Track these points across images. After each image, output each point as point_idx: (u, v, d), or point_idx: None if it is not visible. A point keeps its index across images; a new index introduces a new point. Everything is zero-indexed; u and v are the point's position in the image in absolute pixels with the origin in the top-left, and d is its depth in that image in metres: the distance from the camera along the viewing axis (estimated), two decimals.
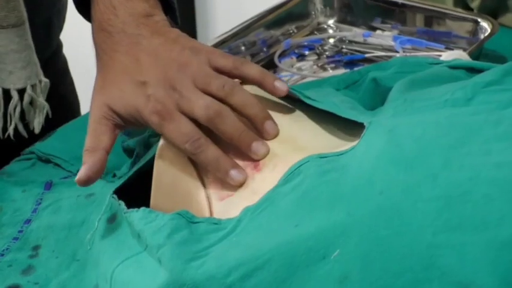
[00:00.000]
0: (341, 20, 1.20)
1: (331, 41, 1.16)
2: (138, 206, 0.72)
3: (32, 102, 0.92)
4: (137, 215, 0.71)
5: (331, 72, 1.10)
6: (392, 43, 1.12)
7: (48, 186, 0.86)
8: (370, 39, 1.15)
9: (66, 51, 1.14)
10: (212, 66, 0.76)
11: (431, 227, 0.59)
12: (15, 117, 0.92)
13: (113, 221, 0.74)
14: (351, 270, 0.59)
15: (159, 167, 0.76)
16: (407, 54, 1.09)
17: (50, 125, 0.96)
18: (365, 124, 0.70)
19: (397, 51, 1.10)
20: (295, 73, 1.09)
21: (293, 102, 0.78)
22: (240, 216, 0.67)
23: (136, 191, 0.76)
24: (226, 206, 0.72)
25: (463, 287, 0.57)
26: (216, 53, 0.77)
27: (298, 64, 1.12)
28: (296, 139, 0.75)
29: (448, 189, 0.60)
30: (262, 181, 0.72)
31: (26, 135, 0.94)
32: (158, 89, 0.75)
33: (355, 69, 1.01)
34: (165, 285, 0.64)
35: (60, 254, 0.77)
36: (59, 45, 1.11)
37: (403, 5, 1.16)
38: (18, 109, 0.92)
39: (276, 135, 0.74)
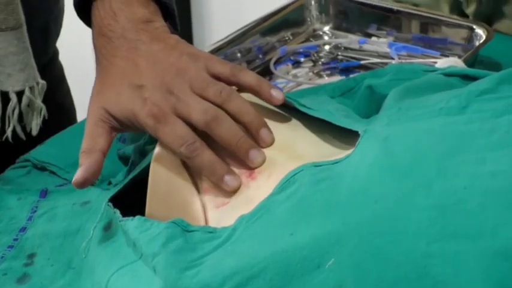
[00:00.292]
0: (336, 27, 1.21)
1: (327, 47, 1.16)
2: (134, 214, 0.72)
3: (29, 105, 0.93)
4: (132, 223, 0.71)
5: (326, 79, 1.10)
6: (387, 50, 1.13)
7: (44, 194, 0.86)
8: (366, 46, 1.15)
9: (63, 58, 1.14)
10: (210, 72, 0.76)
11: (425, 235, 0.59)
12: (13, 120, 0.92)
13: (108, 229, 0.75)
14: (345, 279, 0.59)
15: (154, 175, 0.76)
16: (403, 61, 1.10)
17: (47, 132, 0.96)
18: (360, 132, 0.70)
19: (393, 58, 1.10)
20: (290, 80, 1.09)
21: (288, 110, 0.78)
22: (235, 225, 0.67)
23: (131, 199, 0.76)
24: (221, 214, 0.72)
25: None
26: (214, 60, 0.77)
27: (294, 71, 1.13)
28: (291, 147, 0.75)
29: (443, 198, 0.60)
30: (257, 189, 0.72)
31: (23, 137, 0.94)
32: (155, 93, 0.75)
33: (351, 76, 1.01)
34: None
35: (55, 262, 0.77)
36: (56, 52, 1.11)
37: (398, 12, 1.16)
38: (16, 111, 0.92)
39: (271, 143, 0.74)
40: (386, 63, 1.09)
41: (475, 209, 0.59)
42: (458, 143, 0.65)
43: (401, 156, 0.65)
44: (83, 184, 0.75)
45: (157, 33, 0.79)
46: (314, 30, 1.21)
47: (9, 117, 0.92)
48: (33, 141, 0.95)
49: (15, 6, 0.89)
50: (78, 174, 0.75)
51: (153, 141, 0.86)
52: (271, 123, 0.76)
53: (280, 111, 0.78)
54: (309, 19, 1.21)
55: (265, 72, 1.11)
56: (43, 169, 0.91)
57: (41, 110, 0.93)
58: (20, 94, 0.92)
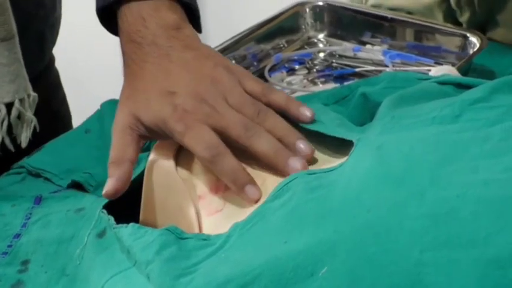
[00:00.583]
0: (331, 35, 1.21)
1: (321, 55, 1.17)
2: (128, 221, 0.72)
3: (19, 116, 0.92)
4: (126, 230, 0.71)
5: (321, 87, 1.10)
6: (382, 57, 1.13)
7: (38, 200, 0.86)
8: (360, 54, 1.15)
9: (58, 65, 1.14)
10: (242, 87, 0.76)
11: (418, 244, 0.59)
12: (2, 131, 0.92)
13: (102, 236, 0.74)
14: (339, 287, 0.59)
15: (148, 182, 0.76)
16: (397, 68, 1.10)
17: (42, 140, 0.96)
18: (354, 141, 0.70)
19: (387, 66, 1.11)
20: (285, 87, 1.10)
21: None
22: (229, 232, 0.67)
23: (126, 206, 0.76)
24: (215, 221, 0.72)
25: None
26: (248, 76, 0.77)
27: (288, 78, 1.13)
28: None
29: (436, 206, 0.61)
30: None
31: (12, 149, 0.93)
32: (187, 100, 0.74)
33: (345, 83, 1.01)
34: None
35: (49, 269, 0.77)
36: (52, 59, 1.11)
37: (392, 20, 1.16)
38: (5, 123, 0.91)
39: (310, 154, 0.73)
40: (380, 71, 1.09)
41: (468, 218, 0.59)
42: (452, 152, 0.65)
43: (394, 165, 0.65)
44: (114, 195, 0.74)
45: (189, 41, 0.79)
46: (309, 38, 1.21)
47: None
48: (28, 149, 0.94)
49: (6, 17, 0.89)
50: (109, 185, 0.74)
51: (146, 148, 0.86)
52: None
53: None
54: (303, 27, 1.22)
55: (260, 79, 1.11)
56: (37, 176, 0.91)
57: (31, 122, 0.93)
58: (9, 106, 0.91)
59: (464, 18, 1.17)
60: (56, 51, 1.11)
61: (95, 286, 0.71)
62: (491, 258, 0.57)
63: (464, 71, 1.03)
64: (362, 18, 1.18)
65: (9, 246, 0.80)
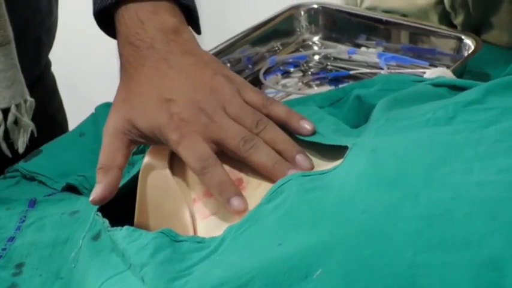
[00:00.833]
0: (326, 37, 1.21)
1: (316, 57, 1.17)
2: (123, 224, 0.72)
3: (16, 122, 0.92)
4: (121, 233, 0.71)
5: (316, 89, 1.10)
6: (377, 60, 1.13)
7: (32, 203, 0.86)
8: (355, 56, 1.15)
9: (55, 70, 1.13)
10: (242, 98, 0.75)
11: (412, 246, 0.59)
12: None
13: (97, 238, 0.74)
14: None
15: (143, 184, 0.76)
16: (392, 71, 1.10)
17: (39, 145, 0.95)
18: (348, 145, 0.70)
19: (382, 68, 1.11)
20: (280, 90, 1.10)
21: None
22: (223, 235, 0.67)
23: (120, 209, 0.76)
24: (210, 224, 0.72)
25: None
26: (248, 87, 0.76)
27: (283, 81, 1.13)
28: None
29: (430, 208, 0.61)
30: (246, 199, 0.72)
31: (9, 154, 0.93)
32: (185, 109, 0.73)
33: (340, 86, 1.01)
34: None
35: (44, 272, 0.77)
36: (48, 64, 1.11)
37: (387, 22, 1.16)
38: (2, 128, 0.91)
39: (309, 169, 0.72)
40: (375, 73, 1.09)
41: (462, 219, 0.59)
42: (446, 154, 0.65)
43: (388, 167, 0.65)
44: (101, 202, 0.74)
45: (188, 46, 0.78)
46: (304, 41, 1.22)
47: None
48: (25, 154, 0.94)
49: (2, 23, 0.88)
50: (96, 192, 0.73)
51: (141, 151, 0.86)
52: None
53: None
54: (298, 29, 1.22)
55: (255, 82, 1.11)
56: (32, 179, 0.91)
57: (28, 128, 0.92)
58: (6, 111, 0.91)
59: (458, 20, 1.17)
60: (53, 56, 1.11)
61: None
62: (485, 259, 0.57)
63: (459, 73, 1.03)
64: (357, 20, 1.18)
65: (4, 249, 0.80)
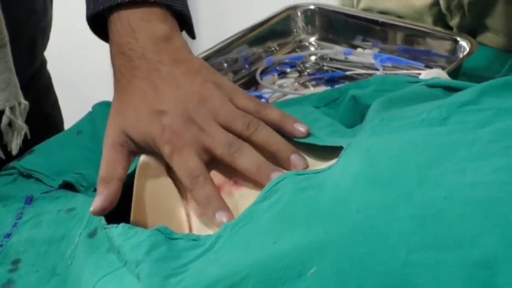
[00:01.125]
0: (322, 38, 1.21)
1: (313, 58, 1.17)
2: (119, 221, 0.73)
3: (10, 124, 0.92)
4: (116, 230, 0.71)
5: (312, 90, 1.11)
6: (372, 61, 1.13)
7: (29, 200, 0.86)
8: (351, 57, 1.16)
9: (51, 68, 1.14)
10: (234, 104, 0.75)
11: (406, 245, 0.59)
12: None
13: (93, 236, 0.75)
14: None
15: (139, 182, 0.77)
16: (388, 72, 1.10)
17: (34, 143, 0.95)
18: (344, 146, 0.71)
19: (378, 69, 1.11)
20: (276, 90, 1.10)
21: None
22: (218, 233, 0.67)
23: (117, 206, 0.77)
24: (205, 222, 0.73)
25: None
26: (239, 93, 0.76)
27: (280, 81, 1.13)
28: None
29: (423, 208, 0.61)
30: (241, 198, 0.72)
31: (3, 156, 0.93)
32: (176, 120, 0.74)
33: (336, 86, 1.02)
34: None
35: (40, 269, 0.77)
36: (43, 62, 1.11)
37: (383, 24, 1.17)
38: None
39: (305, 168, 0.73)
40: (371, 74, 1.10)
41: (455, 219, 0.60)
42: (439, 154, 0.66)
43: (383, 167, 0.66)
44: (101, 213, 0.74)
45: (179, 55, 0.77)
46: (300, 41, 1.22)
47: None
48: (20, 153, 0.94)
49: None
50: (96, 204, 0.74)
51: None
52: None
53: None
54: (295, 30, 1.22)
55: (251, 82, 1.12)
56: (29, 176, 0.91)
57: (22, 130, 0.93)
58: (0, 113, 0.91)
59: (454, 22, 1.17)
60: (48, 54, 1.11)
61: (86, 286, 0.71)
62: (477, 259, 0.58)
63: (454, 74, 1.04)
64: (353, 21, 1.19)
65: (0, 246, 0.81)
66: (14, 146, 0.93)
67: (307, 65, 1.16)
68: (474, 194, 0.61)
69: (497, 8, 1.14)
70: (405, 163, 0.65)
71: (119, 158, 0.76)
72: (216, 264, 0.64)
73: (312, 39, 1.22)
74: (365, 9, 1.24)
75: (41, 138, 0.97)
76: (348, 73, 1.12)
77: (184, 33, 0.82)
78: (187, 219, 0.73)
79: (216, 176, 0.74)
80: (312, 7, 1.22)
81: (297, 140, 0.75)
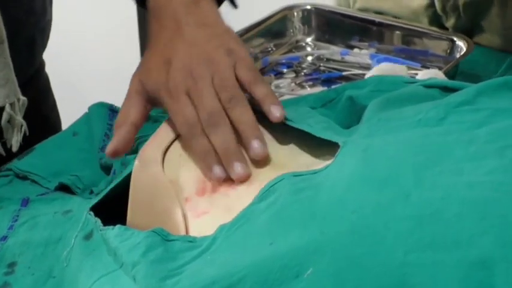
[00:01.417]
0: (319, 38, 1.21)
1: (309, 58, 1.17)
2: (116, 223, 0.73)
3: (10, 121, 0.92)
4: (113, 232, 0.71)
5: (308, 90, 1.10)
6: (369, 61, 1.13)
7: (25, 202, 0.86)
8: (348, 57, 1.16)
9: (49, 69, 1.13)
10: (235, 72, 0.78)
11: (403, 245, 0.59)
12: None
13: (89, 238, 0.75)
14: None
15: (135, 183, 0.76)
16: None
17: (32, 145, 0.95)
18: (340, 144, 0.71)
19: None
20: (273, 91, 1.10)
21: (270, 120, 0.78)
22: (215, 234, 0.67)
23: (113, 208, 0.76)
24: (201, 223, 0.72)
25: None
26: (244, 62, 0.78)
27: (276, 82, 1.13)
28: (272, 157, 0.75)
29: (420, 208, 0.61)
30: (238, 198, 0.72)
31: (3, 153, 0.93)
32: (178, 72, 0.77)
33: (332, 87, 1.02)
34: None
35: (36, 271, 0.77)
36: (42, 64, 1.11)
37: (380, 24, 1.17)
38: None
39: (261, 156, 0.74)
40: None
41: (452, 219, 0.60)
42: (436, 154, 0.66)
43: (379, 167, 0.65)
44: (114, 155, 0.78)
45: (206, 18, 0.81)
46: (297, 42, 1.22)
47: None
48: (18, 153, 0.94)
49: None
50: (108, 146, 0.78)
51: (134, 150, 0.86)
52: None
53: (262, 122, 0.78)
54: (291, 30, 1.22)
55: None
56: (25, 178, 0.91)
57: (21, 127, 0.93)
58: (0, 110, 0.91)
59: (449, 23, 1.17)
60: (46, 56, 1.11)
61: None
62: (475, 259, 0.58)
63: (451, 74, 1.04)
64: (350, 22, 1.19)
65: None
66: (15, 142, 0.93)
67: (303, 66, 1.16)
68: (471, 194, 0.61)
69: (492, 9, 1.14)
70: (402, 163, 0.65)
71: (134, 103, 0.79)
72: (213, 265, 0.64)
73: (309, 40, 1.22)
74: (361, 10, 1.24)
75: (39, 140, 0.97)
76: (344, 73, 1.12)
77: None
78: (184, 221, 0.73)
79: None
80: (309, 7, 1.22)
81: (291, 124, 0.75)
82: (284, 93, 1.09)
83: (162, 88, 0.77)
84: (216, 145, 0.74)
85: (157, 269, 0.65)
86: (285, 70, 1.16)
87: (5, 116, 0.91)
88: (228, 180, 0.74)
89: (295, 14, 1.22)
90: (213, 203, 0.73)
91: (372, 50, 1.16)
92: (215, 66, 0.77)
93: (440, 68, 1.06)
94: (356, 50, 1.17)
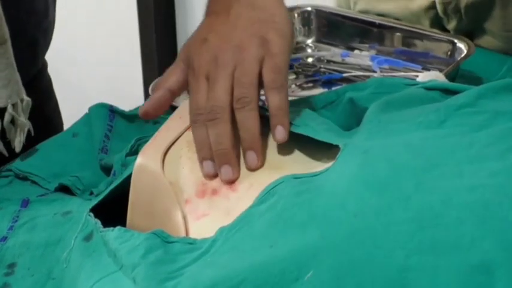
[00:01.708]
0: (319, 40, 1.21)
1: (310, 60, 1.17)
2: (115, 225, 0.72)
3: (13, 121, 0.92)
4: (113, 234, 0.71)
5: (309, 92, 1.10)
6: (370, 63, 1.13)
7: (25, 203, 0.86)
8: (348, 59, 1.15)
9: (51, 70, 1.13)
10: (260, 67, 0.77)
11: (403, 249, 0.59)
12: None
13: (89, 239, 0.75)
14: None
15: (135, 185, 0.76)
16: (385, 74, 1.10)
17: (34, 146, 0.95)
18: (340, 146, 0.71)
19: (375, 71, 1.11)
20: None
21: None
22: (215, 237, 0.67)
23: (113, 209, 0.76)
24: (201, 225, 0.72)
25: None
26: (272, 62, 0.77)
27: None
28: (272, 159, 0.75)
29: (421, 212, 0.61)
30: (238, 201, 0.72)
31: (6, 153, 0.93)
32: (207, 53, 0.78)
33: (333, 88, 1.01)
34: None
35: (35, 272, 0.77)
36: (44, 65, 1.10)
37: (381, 25, 1.17)
38: None
39: (254, 168, 0.74)
40: (368, 76, 1.09)
41: (453, 223, 0.60)
42: (437, 157, 0.66)
43: (380, 170, 0.65)
44: (144, 116, 0.79)
45: (257, 1, 0.80)
46: (297, 43, 1.22)
47: None
48: (17, 156, 0.94)
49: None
50: (141, 107, 0.79)
51: (134, 152, 0.86)
52: None
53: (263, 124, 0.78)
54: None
55: None
56: (25, 179, 0.91)
57: (24, 127, 0.92)
58: (2, 110, 0.91)
59: (451, 25, 1.17)
60: (48, 57, 1.11)
61: None
62: (475, 263, 0.58)
63: (451, 77, 1.03)
64: (350, 23, 1.19)
65: None
66: (17, 143, 0.93)
67: (304, 67, 1.15)
68: (472, 197, 0.61)
69: (494, 12, 1.14)
70: (402, 166, 0.65)
71: (175, 71, 0.80)
72: (213, 267, 0.64)
73: (309, 41, 1.22)
74: (362, 12, 1.24)
75: (41, 141, 0.96)
76: (345, 75, 1.12)
77: None
78: (184, 223, 0.73)
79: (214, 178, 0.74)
80: (309, 9, 1.22)
81: (292, 130, 0.75)
82: None
83: (190, 63, 0.78)
84: (211, 141, 0.75)
85: (157, 271, 0.65)
86: None
87: (7, 116, 0.91)
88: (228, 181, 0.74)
89: (296, 15, 1.22)
90: (213, 205, 0.73)
91: (373, 52, 1.16)
92: (242, 55, 0.76)
93: (441, 70, 1.06)
94: (357, 52, 1.17)
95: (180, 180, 0.75)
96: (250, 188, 0.73)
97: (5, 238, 0.81)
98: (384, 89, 0.85)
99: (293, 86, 1.13)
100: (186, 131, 0.78)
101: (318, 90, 1.09)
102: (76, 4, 2.06)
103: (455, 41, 1.11)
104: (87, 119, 0.97)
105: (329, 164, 0.70)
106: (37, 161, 0.92)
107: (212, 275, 0.63)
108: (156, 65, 2.25)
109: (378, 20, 1.18)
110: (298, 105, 0.88)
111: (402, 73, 1.10)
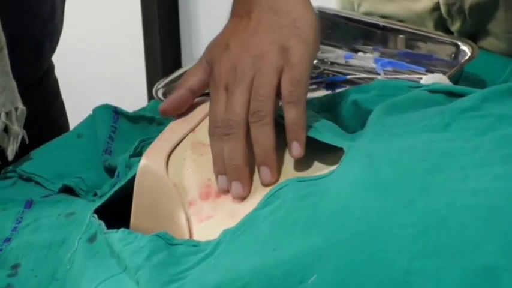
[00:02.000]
0: (323, 42, 1.21)
1: (313, 62, 1.17)
2: (119, 226, 0.72)
3: (6, 130, 0.91)
4: (116, 235, 0.71)
5: (313, 94, 1.10)
6: (373, 65, 1.13)
7: (29, 204, 0.86)
8: (352, 61, 1.15)
9: (57, 73, 1.13)
10: (279, 77, 0.75)
11: (407, 253, 0.59)
12: None
13: (93, 240, 0.75)
14: None
15: (139, 187, 0.76)
16: (389, 76, 1.10)
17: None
18: (344, 149, 0.71)
19: (379, 73, 1.11)
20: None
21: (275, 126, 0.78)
22: (219, 239, 0.67)
23: (117, 211, 0.76)
24: (205, 227, 0.72)
25: None
26: (291, 71, 0.75)
27: None
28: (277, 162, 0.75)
29: (425, 215, 0.61)
30: (242, 203, 0.72)
31: None
32: (227, 61, 0.77)
33: (337, 91, 1.01)
34: None
35: (39, 273, 0.77)
36: (51, 67, 1.10)
37: (384, 28, 1.16)
38: None
39: (268, 184, 0.73)
40: (372, 79, 1.09)
41: (457, 227, 0.60)
42: (441, 161, 0.66)
43: (384, 173, 0.65)
44: (163, 113, 0.80)
45: (280, 3, 0.78)
46: None
47: None
48: (10, 164, 0.94)
49: None
50: (161, 105, 0.80)
51: (138, 153, 0.86)
52: None
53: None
54: None
55: None
56: (29, 180, 0.91)
57: (18, 136, 0.92)
58: None
59: (455, 27, 1.17)
60: (55, 59, 1.10)
61: None
62: (479, 267, 0.57)
63: (455, 79, 1.03)
64: (354, 25, 1.19)
65: (0, 250, 0.80)
66: (10, 151, 0.92)
67: None
68: (476, 201, 0.61)
69: (498, 13, 1.14)
70: (407, 170, 0.65)
71: (198, 71, 0.80)
72: (216, 270, 0.64)
73: None
74: (366, 14, 1.23)
75: (45, 143, 0.96)
76: (348, 77, 1.12)
77: None
78: (188, 225, 0.73)
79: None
80: None
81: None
82: None
83: (212, 68, 0.78)
84: (225, 155, 0.74)
85: (160, 273, 0.65)
86: None
87: (0, 124, 0.90)
88: None
89: None
90: (217, 208, 0.73)
91: (376, 54, 1.16)
92: (261, 65, 0.75)
93: (444, 73, 1.06)
94: (360, 54, 1.16)
95: (184, 182, 0.75)
96: (254, 191, 0.73)
97: (8, 239, 0.81)
98: (387, 91, 0.85)
99: None
100: (190, 132, 0.78)
101: (321, 92, 1.09)
102: (79, 5, 2.07)
103: (459, 43, 1.11)
104: (91, 120, 0.97)
105: (333, 167, 0.70)
106: (41, 162, 0.92)
107: (216, 278, 0.63)
108: (160, 66, 2.25)
109: (381, 22, 1.17)
110: None
111: (406, 75, 1.10)
